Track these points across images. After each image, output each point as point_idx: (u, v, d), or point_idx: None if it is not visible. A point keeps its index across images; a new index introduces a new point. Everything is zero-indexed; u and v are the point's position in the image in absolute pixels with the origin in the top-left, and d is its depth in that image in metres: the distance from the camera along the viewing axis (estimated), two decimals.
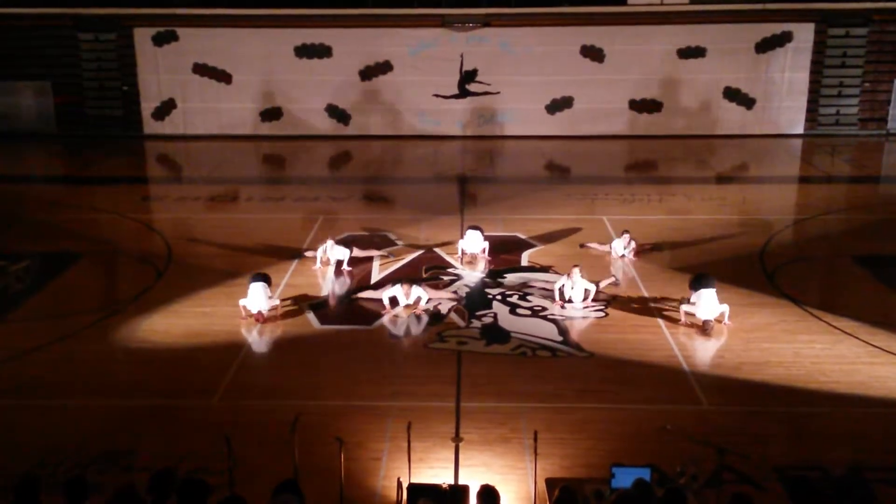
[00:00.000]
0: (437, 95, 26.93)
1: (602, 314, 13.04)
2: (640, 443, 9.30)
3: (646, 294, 13.75)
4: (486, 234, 15.43)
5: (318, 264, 14.95)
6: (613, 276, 14.30)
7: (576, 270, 13.30)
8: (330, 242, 15.05)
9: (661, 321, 12.69)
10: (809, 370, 11.11)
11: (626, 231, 15.61)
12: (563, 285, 13.32)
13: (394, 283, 13.30)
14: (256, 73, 26.89)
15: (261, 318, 12.62)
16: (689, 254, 15.71)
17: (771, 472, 8.78)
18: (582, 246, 15.88)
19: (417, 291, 13.08)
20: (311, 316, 13.06)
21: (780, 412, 10.21)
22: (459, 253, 15.22)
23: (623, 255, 15.35)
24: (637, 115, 27.00)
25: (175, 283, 14.31)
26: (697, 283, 12.45)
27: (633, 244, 15.43)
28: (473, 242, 15.14)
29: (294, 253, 15.69)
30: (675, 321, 12.54)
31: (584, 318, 12.93)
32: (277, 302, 12.99)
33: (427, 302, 13.17)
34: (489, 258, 15.22)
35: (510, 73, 26.61)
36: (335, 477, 7.93)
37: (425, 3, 26.42)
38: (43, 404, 10.44)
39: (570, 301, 13.28)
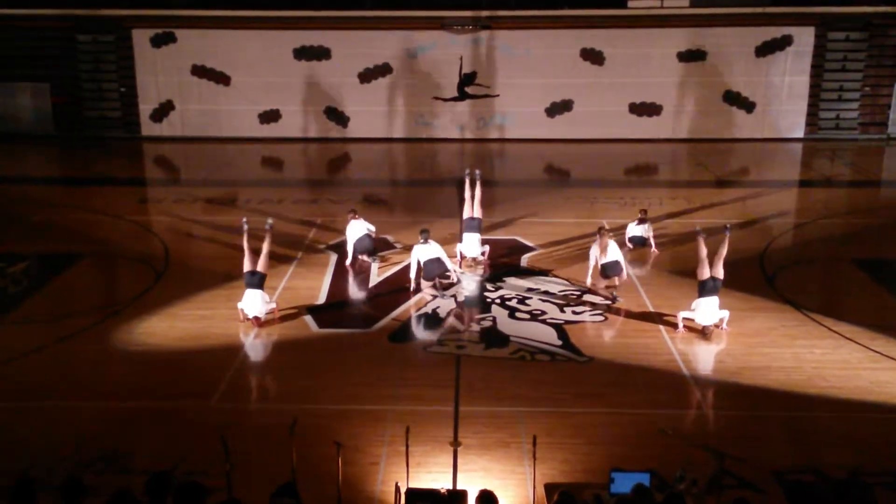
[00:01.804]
0: (436, 98, 26.91)
1: (601, 318, 13.01)
2: (639, 448, 9.26)
3: (645, 298, 13.72)
4: (485, 237, 15.41)
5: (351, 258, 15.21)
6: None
7: (609, 239, 13.59)
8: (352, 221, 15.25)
9: (660, 325, 12.66)
10: (810, 375, 11.08)
11: (643, 211, 16.05)
12: (597, 256, 13.59)
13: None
14: (255, 75, 26.83)
15: (257, 323, 12.58)
16: (689, 257, 15.63)
17: (771, 477, 8.75)
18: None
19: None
20: (309, 319, 13.02)
21: (780, 417, 10.19)
22: (458, 256, 15.18)
23: (645, 242, 15.70)
24: (637, 118, 26.97)
25: (173, 286, 14.28)
26: (701, 290, 12.33)
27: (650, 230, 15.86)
28: (472, 246, 15.08)
29: (291, 256, 15.71)
30: (674, 325, 12.49)
31: (583, 321, 12.89)
32: (274, 305, 12.94)
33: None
34: (488, 262, 15.18)
35: (510, 75, 26.60)
36: (333, 481, 7.89)
37: (425, 5, 26.40)
38: (41, 406, 10.40)
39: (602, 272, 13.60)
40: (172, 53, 26.82)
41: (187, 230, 17.63)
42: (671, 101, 26.78)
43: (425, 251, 13.83)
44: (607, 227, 13.93)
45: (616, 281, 13.79)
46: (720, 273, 12.34)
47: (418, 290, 13.87)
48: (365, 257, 15.32)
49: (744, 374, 11.14)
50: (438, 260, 13.84)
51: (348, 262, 15.17)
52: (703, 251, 12.38)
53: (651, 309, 13.27)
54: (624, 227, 16.38)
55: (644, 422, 9.85)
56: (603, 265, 13.67)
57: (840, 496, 7.67)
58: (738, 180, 23.34)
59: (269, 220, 13.58)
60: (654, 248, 15.87)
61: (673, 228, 17.51)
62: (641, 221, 16.02)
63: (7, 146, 26.17)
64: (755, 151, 25.92)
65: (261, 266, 12.76)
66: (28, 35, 26.82)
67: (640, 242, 15.97)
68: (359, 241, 15.15)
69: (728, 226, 13.18)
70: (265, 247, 12.94)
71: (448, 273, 13.91)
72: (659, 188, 21.66)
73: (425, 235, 14.00)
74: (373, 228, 15.53)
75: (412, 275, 13.98)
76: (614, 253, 13.75)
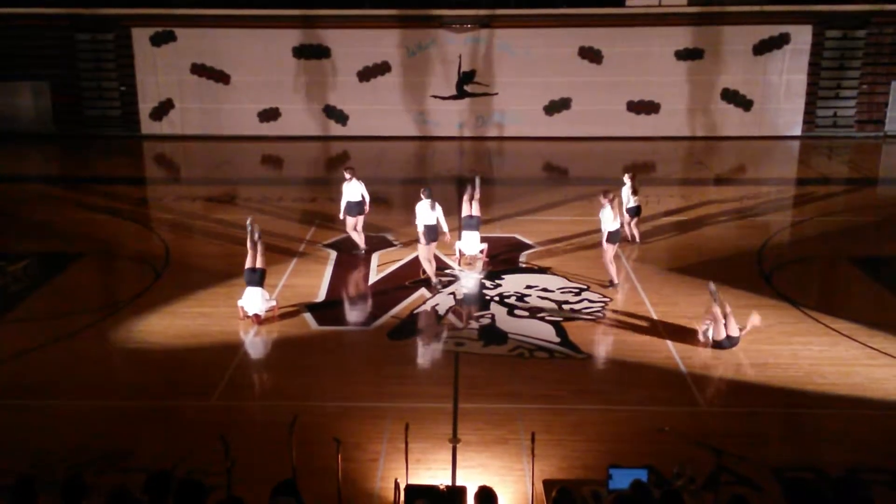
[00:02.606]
0: (435, 96, 26.96)
1: (599, 315, 13.06)
2: (637, 444, 9.31)
3: (643, 295, 13.76)
4: (484, 235, 15.45)
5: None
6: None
7: (606, 203, 13.72)
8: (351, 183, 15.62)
9: (658, 322, 12.70)
10: (807, 371, 11.13)
11: (632, 177, 16.09)
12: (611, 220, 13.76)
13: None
14: (254, 73, 26.88)
15: (257, 321, 12.62)
16: (687, 255, 15.73)
17: (768, 474, 8.79)
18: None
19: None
20: (308, 316, 13.06)
21: (777, 413, 10.23)
22: (457, 254, 15.21)
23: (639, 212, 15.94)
24: (635, 116, 27.02)
25: (173, 284, 14.31)
26: (717, 346, 11.80)
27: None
28: (471, 244, 15.11)
29: (293, 252, 15.77)
30: (671, 323, 12.55)
31: (581, 319, 12.94)
32: (274, 303, 12.98)
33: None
34: (487, 259, 15.22)
35: (508, 74, 26.63)
36: (333, 478, 7.92)
37: (423, 4, 26.43)
38: (41, 404, 10.43)
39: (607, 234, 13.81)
40: (172, 52, 26.86)
41: (187, 228, 17.67)
42: (669, 100, 26.83)
43: (426, 214, 13.98)
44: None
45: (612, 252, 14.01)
46: (735, 331, 11.72)
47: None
48: (356, 234, 15.73)
49: (741, 370, 11.19)
50: (433, 228, 14.05)
51: (341, 216, 15.84)
52: (717, 310, 11.67)
53: (649, 306, 13.32)
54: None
55: (642, 418, 9.90)
56: (611, 232, 13.77)
57: (838, 494, 7.71)
58: (735, 178, 23.40)
59: (248, 219, 13.54)
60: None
61: (670, 225, 17.57)
62: (635, 192, 16.08)
63: (7, 145, 26.19)
64: (753, 149, 25.96)
65: (259, 262, 12.80)
66: (27, 34, 26.84)
67: (635, 213, 16.12)
68: (349, 204, 15.58)
69: (712, 289, 12.07)
70: (257, 243, 12.97)
71: (443, 234, 14.26)
72: (657, 186, 21.67)
73: (427, 193, 14.10)
74: (367, 196, 15.76)
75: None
76: (618, 220, 14.04)
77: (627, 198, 15.95)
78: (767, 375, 11.03)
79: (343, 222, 15.93)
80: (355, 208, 15.68)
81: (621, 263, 15.08)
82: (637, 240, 16.14)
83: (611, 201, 13.73)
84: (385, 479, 8.69)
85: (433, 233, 14.07)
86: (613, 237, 13.85)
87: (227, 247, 16.17)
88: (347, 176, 15.65)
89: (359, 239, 15.80)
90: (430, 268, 14.17)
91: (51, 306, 13.54)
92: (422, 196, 14.12)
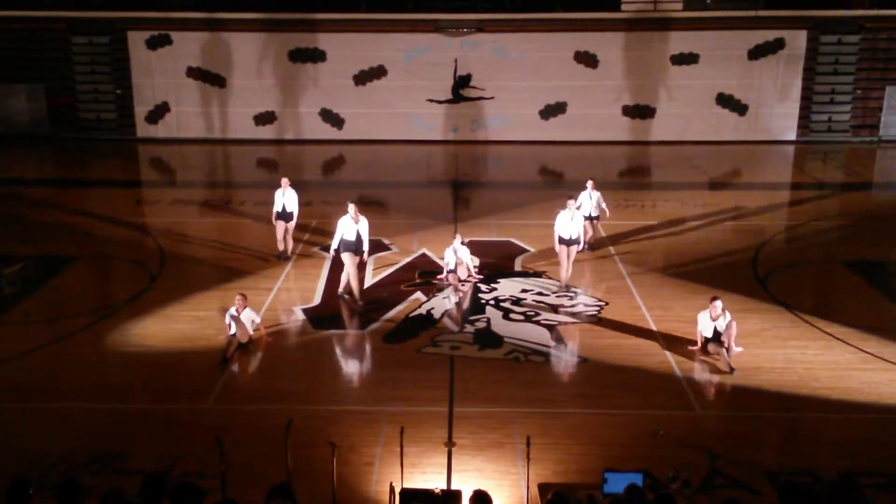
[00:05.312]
0: (431, 100, 26.97)
1: (595, 319, 13.07)
2: (632, 448, 9.32)
3: (638, 299, 13.79)
4: (479, 239, 15.42)
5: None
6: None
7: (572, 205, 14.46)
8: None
9: (653, 326, 12.72)
10: (801, 376, 11.16)
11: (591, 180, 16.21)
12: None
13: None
14: (250, 77, 26.89)
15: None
16: (682, 259, 15.76)
17: (763, 478, 8.81)
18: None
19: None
20: (304, 320, 13.06)
21: (772, 417, 10.27)
22: (447, 259, 14.90)
23: (590, 217, 15.88)
24: (630, 120, 27.07)
25: (168, 287, 14.30)
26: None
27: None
28: (462, 252, 14.94)
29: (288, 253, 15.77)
30: (666, 327, 12.57)
31: (576, 322, 12.96)
32: (258, 319, 12.32)
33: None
34: (481, 276, 14.90)
35: (504, 78, 26.67)
36: (328, 481, 7.93)
37: (420, 8, 26.47)
38: (36, 407, 10.42)
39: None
40: (168, 55, 26.84)
41: (182, 232, 17.65)
42: (664, 104, 26.87)
43: (349, 228, 13.60)
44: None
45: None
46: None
47: (338, 257, 13.92)
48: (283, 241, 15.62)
49: (736, 375, 11.20)
50: (352, 241, 13.63)
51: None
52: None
53: (644, 310, 13.33)
54: (616, 227, 16.42)
55: (637, 423, 9.92)
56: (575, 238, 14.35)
57: (833, 497, 7.73)
58: (730, 182, 23.45)
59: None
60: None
61: (666, 230, 17.59)
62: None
63: (2, 147, 26.13)
64: (747, 154, 26.02)
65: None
66: (23, 37, 26.80)
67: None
68: (284, 211, 15.49)
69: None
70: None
71: (363, 251, 13.77)
72: (652, 190, 21.74)
73: (353, 209, 13.71)
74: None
75: (334, 245, 13.87)
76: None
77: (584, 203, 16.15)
78: (762, 379, 11.05)
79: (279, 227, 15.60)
80: (290, 216, 15.53)
81: (616, 268, 15.13)
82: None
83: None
84: (380, 482, 8.69)
85: (351, 245, 13.60)
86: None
87: (222, 251, 16.15)
88: (287, 182, 15.65)
89: (287, 245, 15.65)
90: (353, 282, 13.77)
91: (46, 309, 13.50)
92: (349, 211, 13.76)
